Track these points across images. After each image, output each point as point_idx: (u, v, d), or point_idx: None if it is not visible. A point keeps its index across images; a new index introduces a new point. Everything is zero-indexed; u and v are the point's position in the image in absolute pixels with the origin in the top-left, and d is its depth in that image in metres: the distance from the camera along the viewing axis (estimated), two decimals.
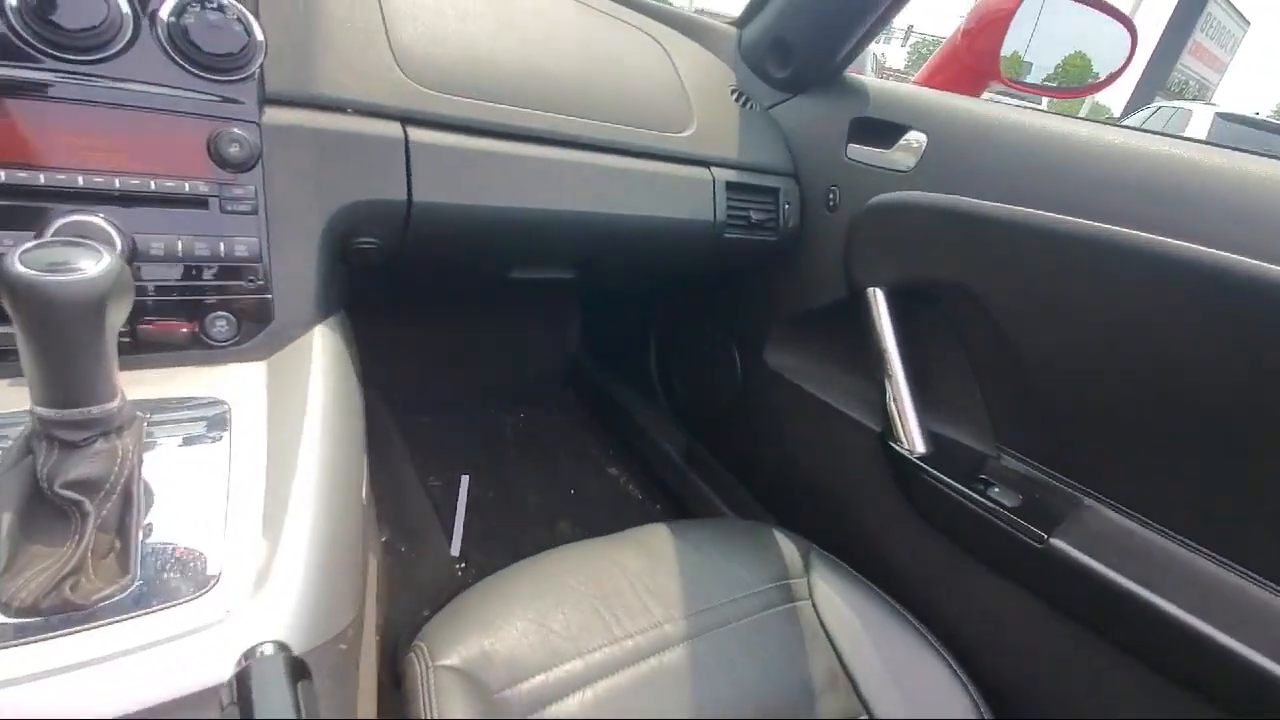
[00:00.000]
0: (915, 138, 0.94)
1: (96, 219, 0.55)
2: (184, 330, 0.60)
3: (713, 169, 0.99)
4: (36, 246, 0.41)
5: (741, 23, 1.17)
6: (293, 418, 0.56)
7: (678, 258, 1.03)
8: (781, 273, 1.13)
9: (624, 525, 1.32)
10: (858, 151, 1.01)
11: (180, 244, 0.59)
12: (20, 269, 0.38)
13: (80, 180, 0.55)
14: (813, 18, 1.03)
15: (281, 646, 0.38)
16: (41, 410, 0.43)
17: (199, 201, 0.60)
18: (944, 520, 0.89)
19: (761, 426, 1.19)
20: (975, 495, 0.85)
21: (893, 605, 0.84)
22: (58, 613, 0.40)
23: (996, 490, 0.85)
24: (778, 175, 1.06)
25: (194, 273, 0.60)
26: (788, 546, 0.92)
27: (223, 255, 0.61)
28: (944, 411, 0.94)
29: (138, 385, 0.54)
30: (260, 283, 0.64)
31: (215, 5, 0.60)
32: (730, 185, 1.00)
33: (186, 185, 0.60)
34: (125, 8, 0.56)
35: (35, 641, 0.38)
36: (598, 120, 0.88)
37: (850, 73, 1.09)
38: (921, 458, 0.91)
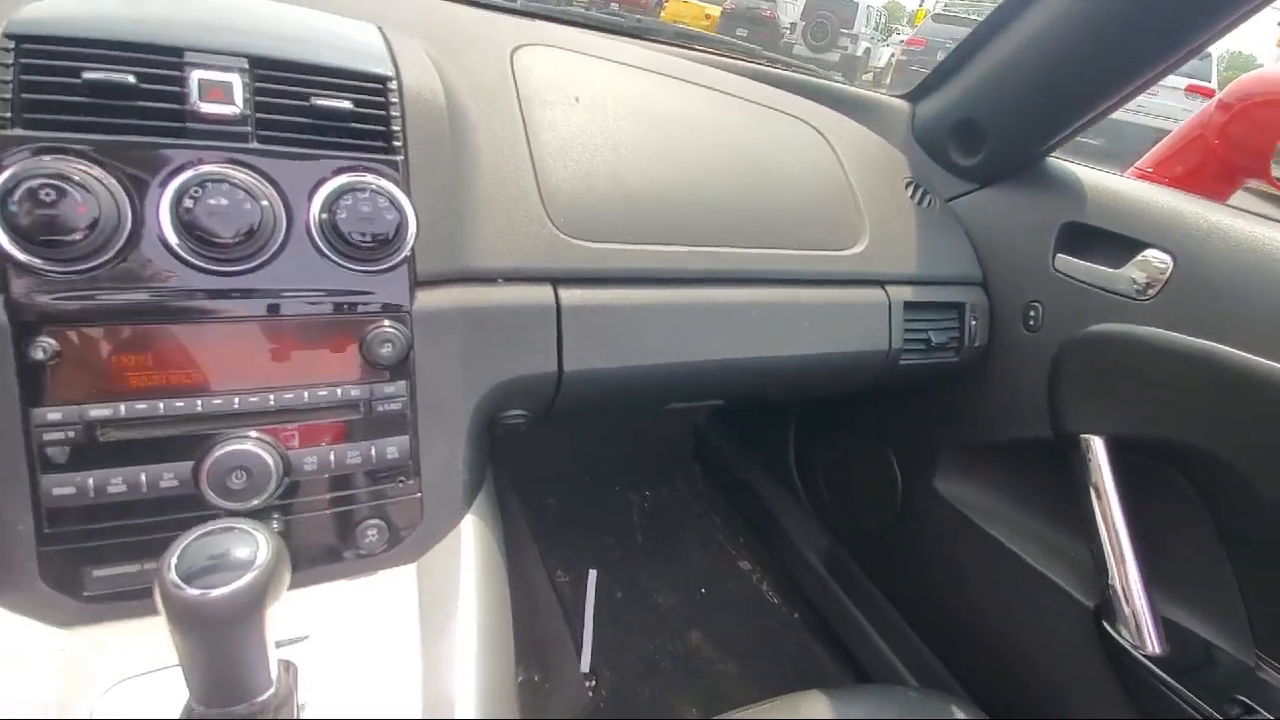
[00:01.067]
0: (1157, 257, 0.76)
1: (251, 447, 0.52)
2: (334, 545, 0.57)
3: (888, 288, 0.85)
4: (193, 542, 0.38)
5: (916, 97, 1.02)
6: (447, 641, 0.52)
7: (841, 388, 0.90)
8: (958, 392, 0.97)
9: (761, 636, 1.23)
10: (1070, 265, 0.84)
11: (333, 456, 0.56)
12: (176, 585, 0.36)
13: (236, 403, 0.52)
14: (1017, 98, 0.86)
15: None
16: (200, 709, 0.40)
17: (351, 406, 0.56)
18: None
19: (928, 559, 1.04)
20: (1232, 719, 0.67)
21: None
22: None
23: (1258, 717, 0.67)
24: (962, 286, 0.91)
25: (344, 483, 0.56)
26: None
27: (374, 461, 0.57)
28: (1185, 600, 0.76)
29: (282, 606, 0.51)
30: (410, 483, 0.59)
31: (367, 193, 0.55)
32: (908, 305, 0.86)
33: (339, 391, 0.56)
34: (277, 209, 0.52)
35: None
36: (759, 249, 0.78)
37: (1053, 157, 0.91)
38: (1153, 658, 0.74)
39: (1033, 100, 0.85)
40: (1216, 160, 0.90)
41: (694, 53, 1.00)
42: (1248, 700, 0.69)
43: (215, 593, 0.36)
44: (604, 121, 0.77)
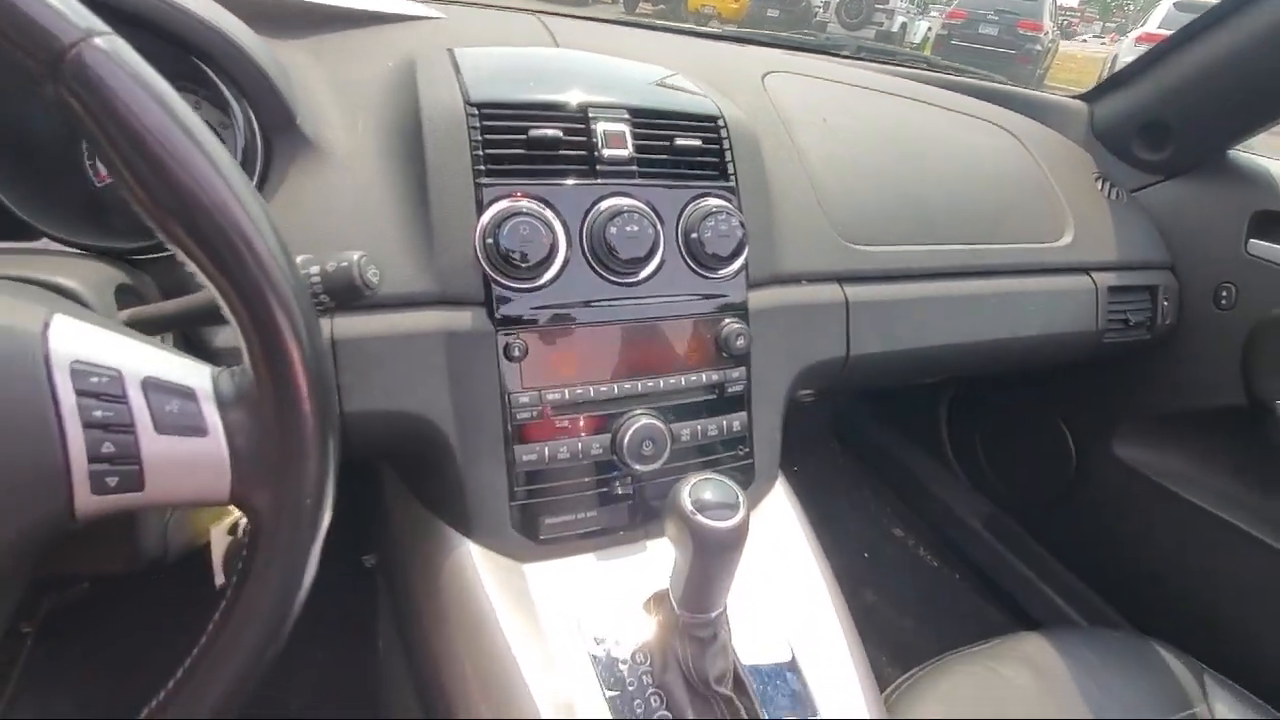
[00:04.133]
0: None
1: (655, 421, 0.65)
2: None
3: (1093, 275, 0.96)
4: (696, 484, 0.51)
5: (1093, 98, 1.11)
6: (806, 582, 0.65)
7: (1048, 364, 1.01)
8: (1140, 365, 1.07)
9: (930, 594, 1.34)
10: (1263, 249, 0.93)
11: (700, 428, 0.69)
12: (694, 513, 0.49)
13: (639, 387, 0.66)
14: (1207, 97, 0.95)
15: None
16: (684, 614, 0.53)
17: (710, 389, 0.69)
18: None
19: (1107, 520, 1.15)
20: None
21: None
22: None
23: None
24: (1154, 270, 1.00)
25: (703, 451, 0.69)
26: (1179, 667, 0.88)
27: (725, 433, 0.70)
28: None
29: None
30: (746, 450, 0.72)
31: (724, 215, 0.68)
32: (1111, 289, 0.96)
33: (702, 377, 0.69)
34: (655, 235, 0.65)
35: None
36: (988, 245, 0.89)
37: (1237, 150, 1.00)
38: None
39: (1227, 101, 0.94)
40: None
41: (891, 67, 1.10)
42: None
43: (725, 523, 0.49)
44: (848, 139, 0.89)
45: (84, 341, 0.32)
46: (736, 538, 0.50)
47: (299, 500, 0.34)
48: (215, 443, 0.33)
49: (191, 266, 0.30)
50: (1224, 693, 0.85)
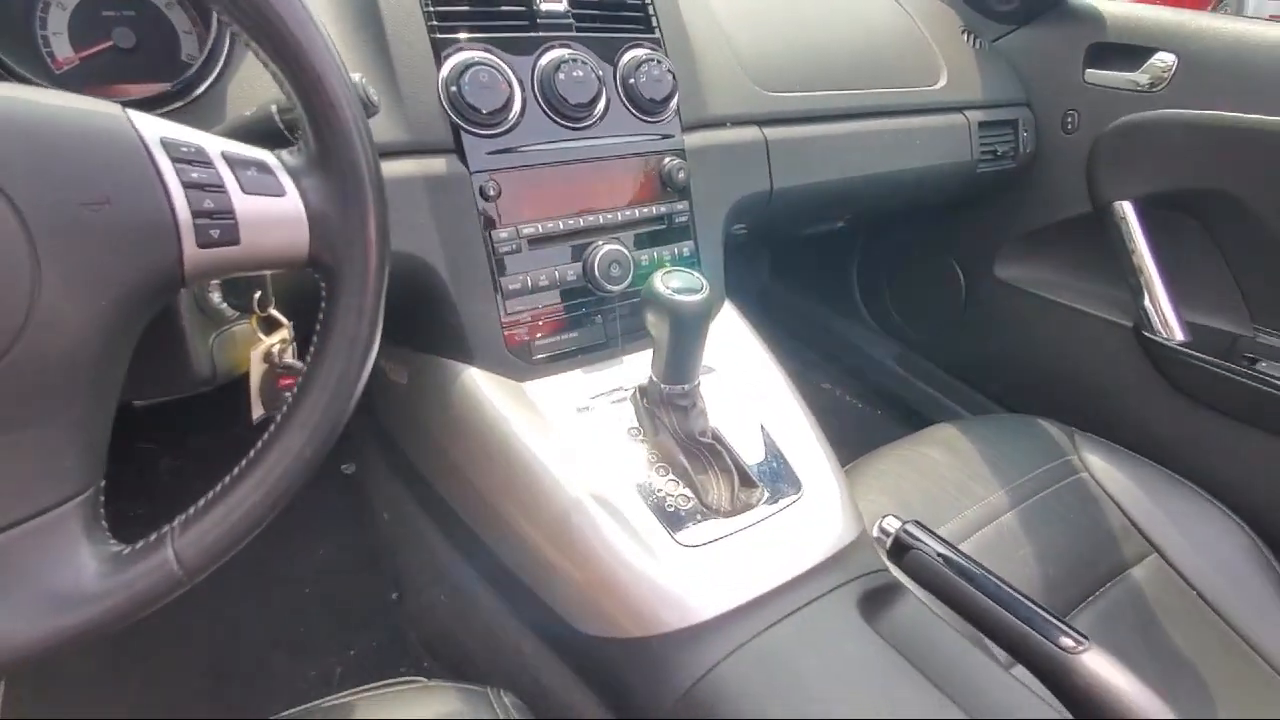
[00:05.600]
0: (1162, 59, 1.03)
1: (618, 247, 0.75)
2: None
3: (966, 113, 1.11)
4: (665, 274, 0.61)
5: None
6: (764, 376, 0.78)
7: (933, 197, 1.17)
8: (1008, 195, 1.25)
9: (861, 434, 1.53)
10: (1097, 76, 1.11)
11: (655, 254, 0.79)
12: (669, 294, 0.59)
13: (601, 220, 0.75)
14: None
15: (898, 519, 0.60)
16: (667, 386, 0.65)
17: (659, 220, 0.80)
18: (1212, 397, 1.05)
19: (993, 333, 1.35)
20: (1242, 369, 1.00)
21: (1166, 470, 1.02)
22: (740, 512, 0.63)
23: (1263, 365, 1.00)
24: (1014, 106, 1.17)
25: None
26: (1055, 432, 1.09)
27: (676, 258, 0.81)
28: (1201, 306, 1.08)
29: None
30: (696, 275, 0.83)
31: (654, 63, 0.76)
32: (980, 125, 1.12)
33: (652, 209, 0.79)
34: (598, 83, 0.73)
35: (735, 533, 0.61)
36: (879, 89, 1.02)
37: None
38: (1181, 343, 1.06)
39: None
40: None
41: None
42: (1250, 355, 1.01)
43: (695, 297, 0.60)
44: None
45: (161, 124, 0.38)
46: (705, 309, 0.61)
47: (366, 258, 0.41)
48: (293, 202, 0.39)
49: (263, 57, 0.37)
50: (1089, 443, 1.07)
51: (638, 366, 0.77)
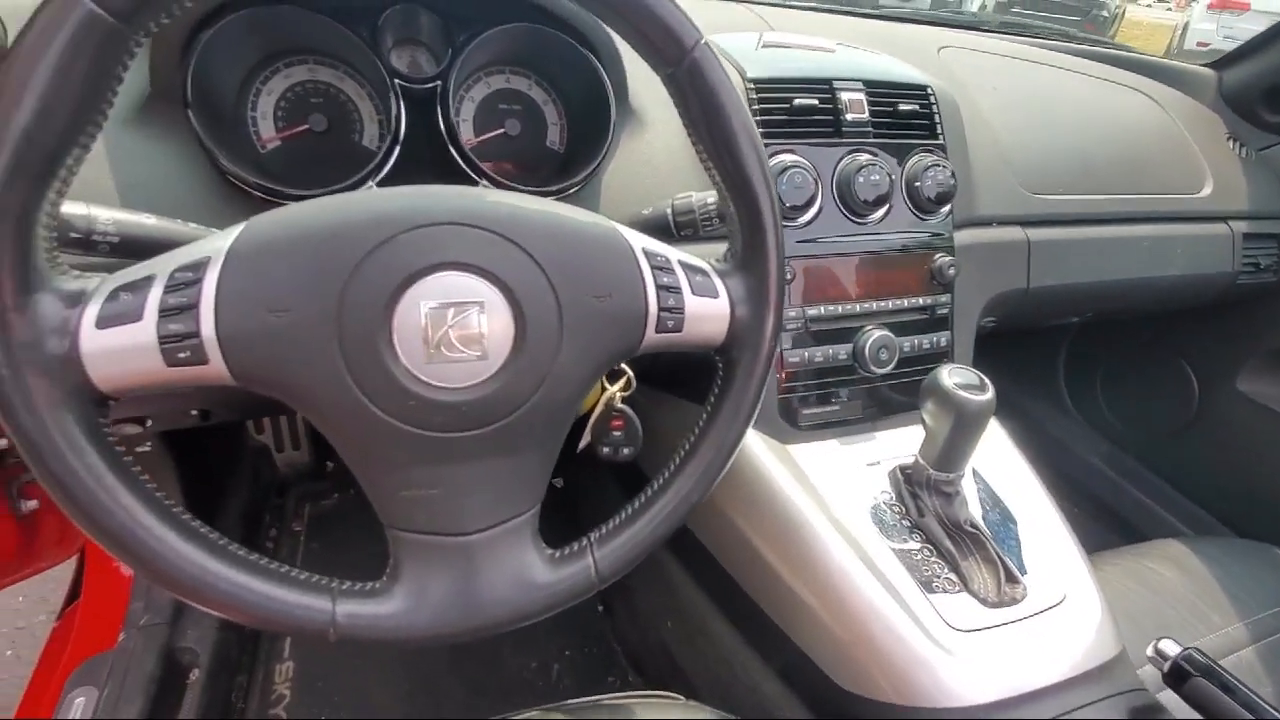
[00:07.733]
0: None
1: (890, 333, 0.82)
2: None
3: (1230, 223, 1.08)
4: (950, 371, 0.67)
5: (1222, 65, 1.22)
6: (1012, 472, 0.81)
7: (1187, 302, 1.14)
8: (1261, 305, 1.19)
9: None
10: None
11: (917, 342, 0.85)
12: (955, 390, 0.64)
13: (875, 306, 0.82)
14: None
15: (1177, 643, 0.61)
16: (934, 473, 0.69)
17: (923, 310, 0.85)
18: None
19: (1228, 448, 1.27)
20: None
21: None
22: (1005, 605, 0.66)
23: None
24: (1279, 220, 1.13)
25: (915, 361, 0.85)
26: None
27: (933, 348, 0.86)
28: None
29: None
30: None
31: (940, 168, 0.83)
32: (1245, 235, 1.09)
33: (919, 300, 0.85)
34: (890, 183, 0.81)
35: (1002, 625, 0.64)
36: (1140, 194, 1.03)
37: None
38: None
39: None
40: None
41: (1037, 39, 1.24)
42: None
43: (981, 397, 0.65)
44: (1016, 103, 1.03)
45: (638, 236, 0.49)
46: (990, 409, 0.66)
47: (760, 348, 0.51)
48: (723, 303, 0.50)
49: (718, 181, 0.48)
50: None
51: (890, 443, 0.82)
